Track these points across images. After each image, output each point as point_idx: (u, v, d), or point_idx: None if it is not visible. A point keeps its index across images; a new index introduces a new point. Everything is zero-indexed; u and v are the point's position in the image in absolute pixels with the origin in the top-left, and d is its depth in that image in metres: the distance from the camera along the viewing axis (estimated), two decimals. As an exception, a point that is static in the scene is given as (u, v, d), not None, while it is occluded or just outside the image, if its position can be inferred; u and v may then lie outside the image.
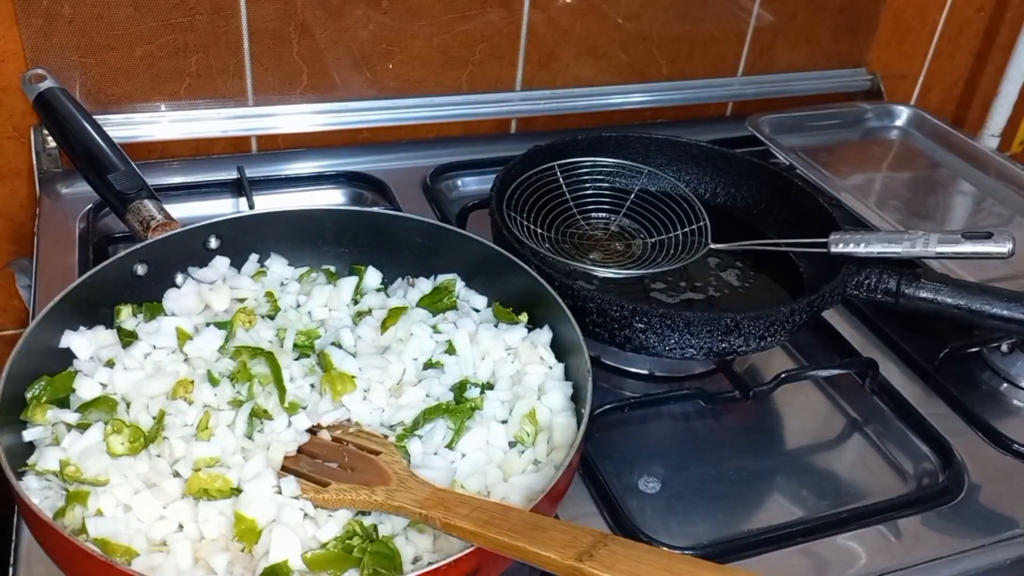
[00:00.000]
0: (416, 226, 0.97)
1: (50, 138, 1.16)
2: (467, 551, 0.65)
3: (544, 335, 0.89)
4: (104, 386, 0.79)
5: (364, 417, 0.81)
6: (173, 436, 0.75)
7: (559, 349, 0.88)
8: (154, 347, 0.83)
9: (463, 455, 0.79)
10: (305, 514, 0.73)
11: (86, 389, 0.78)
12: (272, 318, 0.90)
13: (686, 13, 1.41)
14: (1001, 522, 0.88)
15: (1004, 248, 0.90)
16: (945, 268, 1.09)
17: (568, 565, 0.60)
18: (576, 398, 0.84)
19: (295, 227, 0.96)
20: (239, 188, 1.20)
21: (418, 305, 0.93)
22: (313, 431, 0.80)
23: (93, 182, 1.00)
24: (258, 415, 0.79)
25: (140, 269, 0.88)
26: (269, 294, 0.91)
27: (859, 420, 1.00)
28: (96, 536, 0.68)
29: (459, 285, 0.95)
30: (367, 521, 0.73)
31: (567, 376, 0.87)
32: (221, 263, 0.93)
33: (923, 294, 0.94)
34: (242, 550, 0.70)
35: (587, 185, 1.16)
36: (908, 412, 0.99)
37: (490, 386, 0.86)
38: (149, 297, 0.88)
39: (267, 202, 1.19)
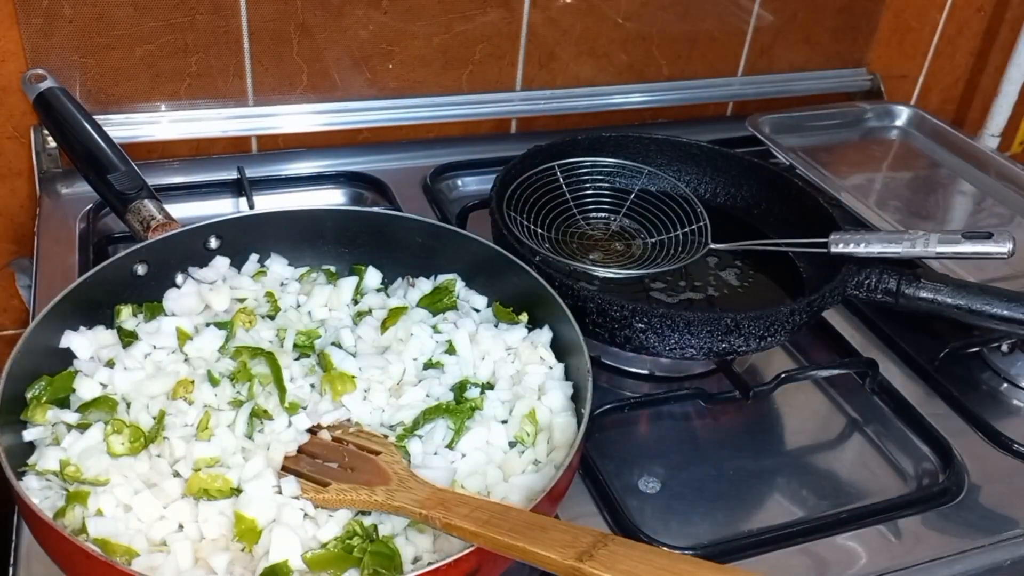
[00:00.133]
0: (416, 226, 0.97)
1: (50, 138, 1.16)
2: (467, 551, 0.65)
3: (544, 335, 0.89)
4: (104, 386, 0.79)
5: (364, 417, 0.81)
6: (173, 436, 0.75)
7: (559, 349, 0.88)
8: (154, 347, 0.83)
9: (463, 455, 0.79)
10: (305, 514, 0.73)
11: (86, 389, 0.78)
12: (272, 318, 0.90)
13: (686, 13, 1.41)
14: (1001, 522, 0.88)
15: (1004, 248, 0.90)
16: (945, 268, 1.09)
17: (568, 565, 0.60)
18: (576, 398, 0.84)
19: (295, 227, 0.96)
20: (239, 188, 1.20)
21: (418, 305, 0.93)
22: (313, 431, 0.80)
23: (93, 182, 1.00)
24: (258, 415, 0.79)
25: (140, 269, 0.88)
26: (269, 294, 0.91)
27: (859, 420, 1.00)
28: (96, 536, 0.68)
29: (459, 285, 0.95)
30: (367, 521, 0.73)
31: (567, 376, 0.87)
32: (221, 263, 0.93)
33: (923, 294, 0.94)
34: (242, 550, 0.70)
35: (587, 185, 1.16)
36: (908, 412, 0.99)
37: (490, 386, 0.85)
38: (149, 297, 0.88)
39: (267, 202, 1.19)
